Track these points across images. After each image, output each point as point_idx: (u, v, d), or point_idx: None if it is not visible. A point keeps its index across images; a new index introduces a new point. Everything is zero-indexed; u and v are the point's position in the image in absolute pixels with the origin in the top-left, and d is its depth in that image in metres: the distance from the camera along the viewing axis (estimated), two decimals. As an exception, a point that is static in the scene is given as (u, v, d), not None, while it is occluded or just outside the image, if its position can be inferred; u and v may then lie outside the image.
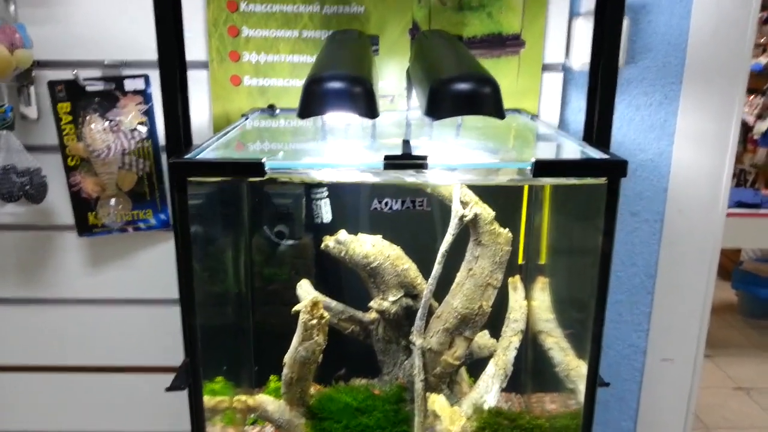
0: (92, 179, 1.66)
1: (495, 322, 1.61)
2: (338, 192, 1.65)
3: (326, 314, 1.39)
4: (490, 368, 1.52)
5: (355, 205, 1.66)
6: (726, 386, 3.85)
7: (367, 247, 1.47)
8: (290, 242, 1.58)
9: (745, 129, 5.34)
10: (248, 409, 1.42)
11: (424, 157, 1.04)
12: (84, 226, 1.72)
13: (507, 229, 1.42)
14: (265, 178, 1.03)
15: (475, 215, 1.37)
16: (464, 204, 1.37)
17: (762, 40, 5.02)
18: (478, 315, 1.44)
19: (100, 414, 1.99)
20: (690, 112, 1.76)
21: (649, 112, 1.77)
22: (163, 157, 1.69)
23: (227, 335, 1.65)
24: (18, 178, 1.56)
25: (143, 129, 1.64)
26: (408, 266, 1.50)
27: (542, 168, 1.05)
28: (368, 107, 1.09)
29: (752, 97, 5.24)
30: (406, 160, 1.05)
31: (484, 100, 1.08)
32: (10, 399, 1.98)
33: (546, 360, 1.49)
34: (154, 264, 1.83)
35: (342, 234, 1.49)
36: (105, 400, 1.98)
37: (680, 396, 1.96)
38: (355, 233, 1.54)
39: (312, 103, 1.08)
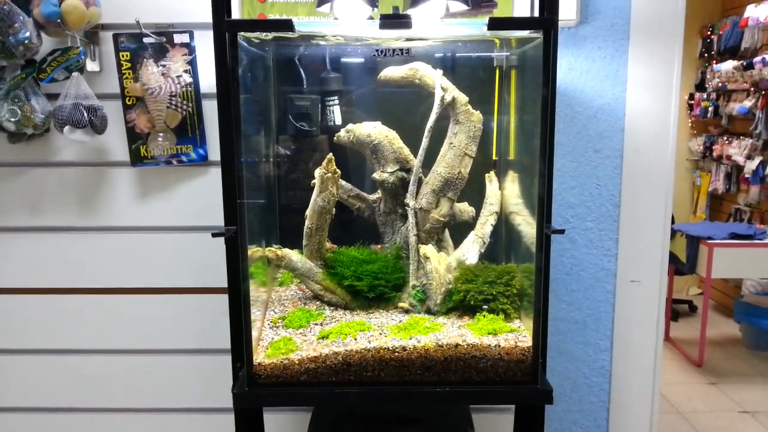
0: (145, 116, 2.03)
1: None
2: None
3: (338, 171, 1.72)
4: (471, 236, 1.84)
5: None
6: (732, 410, 3.95)
7: (370, 129, 1.82)
8: (310, 129, 1.94)
9: (737, 170, 5.64)
10: (277, 257, 1.72)
11: (408, 16, 1.44)
12: (137, 157, 2.07)
13: (478, 111, 1.76)
14: (294, 33, 1.41)
15: (453, 98, 1.73)
16: (444, 89, 1.72)
17: (745, 84, 5.41)
18: (458, 179, 1.77)
19: (150, 333, 2.28)
20: (638, 63, 2.11)
21: (604, 63, 2.13)
22: (203, 102, 2.07)
23: (258, 212, 1.93)
24: (85, 111, 1.93)
25: (187, 77, 2.02)
26: (402, 146, 1.84)
27: (494, 23, 1.42)
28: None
29: (740, 139, 5.58)
30: (396, 18, 1.45)
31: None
32: (66, 320, 2.27)
33: (516, 234, 1.79)
34: (194, 196, 2.16)
35: (349, 125, 1.85)
36: (153, 319, 2.27)
37: (649, 314, 2.21)
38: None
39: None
